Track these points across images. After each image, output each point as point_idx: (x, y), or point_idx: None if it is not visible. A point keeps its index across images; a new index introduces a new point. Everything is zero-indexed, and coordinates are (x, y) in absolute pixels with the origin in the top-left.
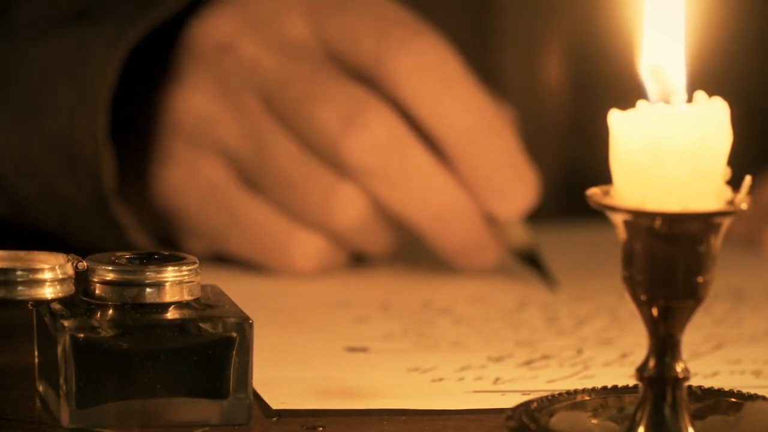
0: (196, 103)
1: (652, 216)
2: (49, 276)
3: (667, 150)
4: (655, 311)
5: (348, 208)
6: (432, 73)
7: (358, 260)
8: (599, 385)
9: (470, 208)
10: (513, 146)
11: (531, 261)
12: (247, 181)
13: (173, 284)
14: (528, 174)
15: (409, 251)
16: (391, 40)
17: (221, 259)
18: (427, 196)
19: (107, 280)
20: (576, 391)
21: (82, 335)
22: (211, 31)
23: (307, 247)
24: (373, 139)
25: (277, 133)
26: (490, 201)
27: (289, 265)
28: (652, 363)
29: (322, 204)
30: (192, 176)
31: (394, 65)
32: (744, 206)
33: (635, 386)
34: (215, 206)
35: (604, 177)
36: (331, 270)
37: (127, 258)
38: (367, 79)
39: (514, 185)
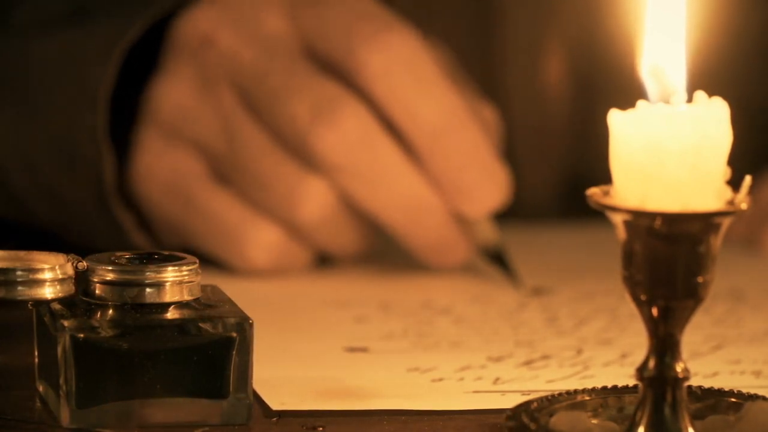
0: (174, 94)
1: (652, 216)
2: (49, 276)
3: (667, 150)
4: (655, 311)
5: (314, 201)
6: (402, 68)
7: (323, 261)
8: (599, 385)
9: (439, 206)
10: (482, 145)
11: (497, 259)
12: (218, 175)
13: (173, 284)
14: (497, 173)
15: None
16: (361, 36)
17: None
18: (396, 192)
19: (107, 280)
20: (576, 391)
21: (82, 335)
22: (192, 24)
23: (263, 238)
24: (343, 133)
25: (250, 127)
26: (457, 199)
27: (242, 254)
28: (652, 363)
29: (288, 196)
30: (158, 165)
31: (363, 61)
32: (744, 206)
33: (635, 386)
34: (176, 196)
35: (604, 177)
36: (288, 268)
37: (127, 258)
38: (341, 75)
39: (482, 184)
